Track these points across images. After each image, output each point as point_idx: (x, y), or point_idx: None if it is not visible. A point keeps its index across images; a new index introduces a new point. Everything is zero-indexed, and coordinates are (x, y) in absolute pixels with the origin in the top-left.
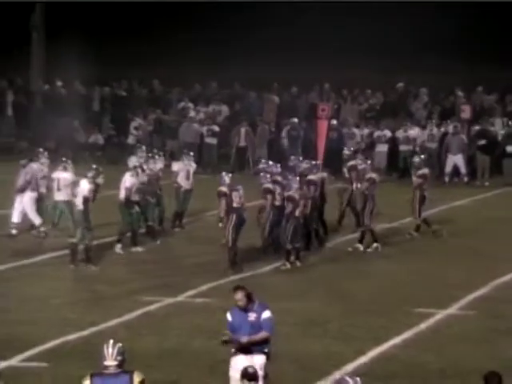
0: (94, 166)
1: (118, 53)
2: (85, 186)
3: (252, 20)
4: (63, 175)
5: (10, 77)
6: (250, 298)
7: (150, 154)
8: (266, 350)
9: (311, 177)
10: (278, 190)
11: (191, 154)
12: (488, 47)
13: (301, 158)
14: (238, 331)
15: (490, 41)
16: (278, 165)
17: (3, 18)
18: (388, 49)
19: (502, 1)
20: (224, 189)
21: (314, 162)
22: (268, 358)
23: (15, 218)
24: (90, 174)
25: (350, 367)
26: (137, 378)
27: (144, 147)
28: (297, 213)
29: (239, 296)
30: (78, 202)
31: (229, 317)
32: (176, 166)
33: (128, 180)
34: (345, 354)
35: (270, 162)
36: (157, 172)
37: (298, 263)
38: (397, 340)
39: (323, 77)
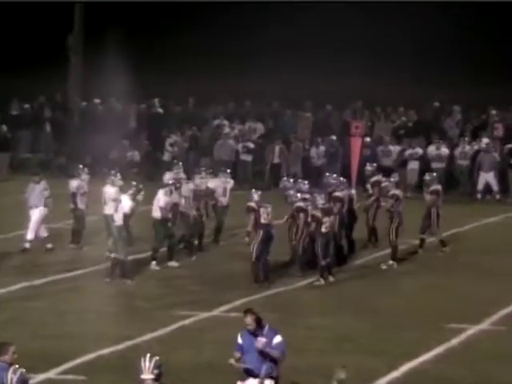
0: (134, 183)
1: (155, 70)
2: (126, 203)
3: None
4: (110, 190)
5: (48, 93)
6: (258, 322)
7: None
8: (273, 375)
9: (337, 193)
10: (309, 207)
11: (228, 171)
12: None
13: (342, 178)
14: (246, 354)
15: None
16: (306, 182)
17: (41, 35)
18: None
19: None
20: (252, 204)
21: (341, 179)
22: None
23: (42, 232)
24: (131, 191)
25: (382, 382)
26: None
27: (180, 163)
28: (323, 229)
29: (248, 320)
30: (118, 218)
31: (239, 339)
32: (213, 183)
33: (162, 199)
34: (377, 368)
35: (296, 180)
36: (203, 189)
37: (332, 278)
38: (428, 355)
39: (356, 94)
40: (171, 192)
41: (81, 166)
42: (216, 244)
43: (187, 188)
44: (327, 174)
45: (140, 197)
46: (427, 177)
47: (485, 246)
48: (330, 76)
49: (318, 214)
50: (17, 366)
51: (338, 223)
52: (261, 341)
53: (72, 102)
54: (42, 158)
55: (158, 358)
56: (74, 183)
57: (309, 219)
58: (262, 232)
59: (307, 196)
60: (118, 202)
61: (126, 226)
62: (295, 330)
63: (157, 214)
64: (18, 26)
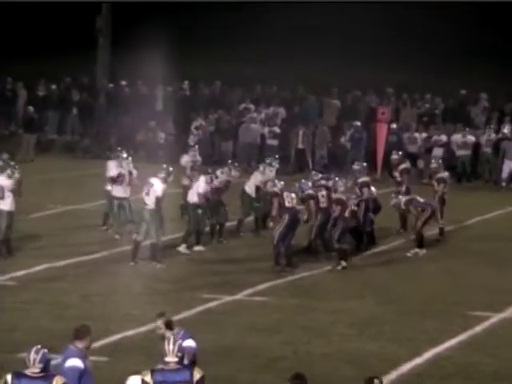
0: (165, 166)
1: (182, 53)
2: (158, 186)
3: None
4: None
5: (75, 75)
6: (168, 326)
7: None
8: None
9: (364, 178)
10: (322, 192)
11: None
12: None
13: (364, 164)
14: None
15: None
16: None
17: (70, 18)
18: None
19: None
20: (276, 189)
21: (364, 164)
22: None
23: None
24: (162, 174)
25: (405, 368)
26: (197, 373)
27: (196, 146)
28: (346, 213)
29: (158, 323)
30: (150, 201)
31: None
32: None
33: (202, 187)
34: (400, 354)
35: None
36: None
37: (344, 263)
38: (452, 342)
39: (382, 80)
40: (211, 180)
41: (119, 148)
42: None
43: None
44: (354, 161)
45: (170, 179)
46: (434, 164)
47: (509, 235)
48: (356, 62)
49: (343, 197)
50: (39, 346)
51: (364, 208)
52: None
53: (99, 83)
54: (67, 140)
55: (181, 340)
56: (112, 171)
57: (322, 204)
58: (287, 216)
59: (323, 182)
60: (149, 185)
61: (158, 209)
62: (318, 314)
63: (194, 198)
64: (47, 9)
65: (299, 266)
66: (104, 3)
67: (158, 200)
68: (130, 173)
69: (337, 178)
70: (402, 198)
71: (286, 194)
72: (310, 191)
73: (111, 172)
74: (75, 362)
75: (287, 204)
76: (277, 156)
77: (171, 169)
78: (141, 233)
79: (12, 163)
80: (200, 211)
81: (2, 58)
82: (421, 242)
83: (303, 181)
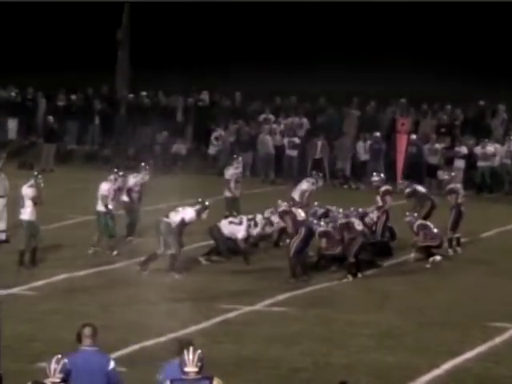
0: (200, 200)
1: (203, 64)
2: (189, 214)
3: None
4: (104, 187)
5: (96, 85)
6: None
7: None
8: None
9: (386, 187)
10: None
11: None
12: None
13: (382, 175)
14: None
15: None
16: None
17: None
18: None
19: None
20: (283, 208)
21: (382, 175)
22: None
23: None
24: (198, 206)
25: (424, 379)
26: (216, 383)
27: (240, 158)
28: (359, 227)
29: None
30: (175, 218)
31: None
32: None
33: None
34: (419, 366)
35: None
36: None
37: (360, 275)
38: (471, 353)
39: (402, 90)
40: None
41: (143, 164)
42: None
43: None
44: (374, 173)
45: (205, 215)
46: (445, 176)
47: None
48: (377, 73)
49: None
50: (59, 355)
51: (385, 216)
52: None
53: (119, 94)
54: (87, 150)
55: (200, 350)
56: (131, 181)
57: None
58: (303, 230)
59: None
60: (183, 208)
61: (179, 230)
62: (337, 325)
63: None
64: (69, 21)
65: (319, 276)
66: (124, 16)
67: (182, 223)
68: (120, 189)
69: (334, 208)
70: (417, 221)
71: (294, 209)
72: (322, 229)
73: (130, 183)
74: None
75: (300, 218)
76: (320, 174)
77: (207, 203)
78: (161, 246)
79: (35, 172)
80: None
81: (23, 68)
82: (429, 252)
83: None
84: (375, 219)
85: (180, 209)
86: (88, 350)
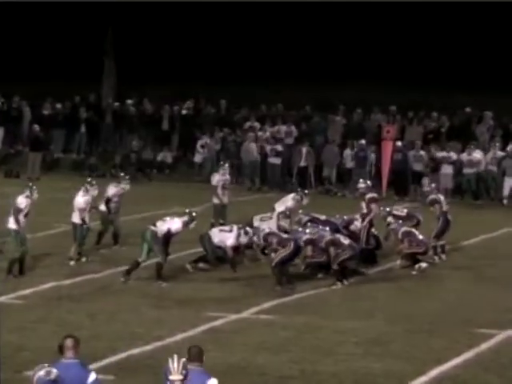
0: (187, 211)
1: (187, 72)
2: (176, 225)
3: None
4: (79, 199)
5: (82, 94)
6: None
7: None
8: None
9: (372, 194)
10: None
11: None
12: None
13: (368, 182)
14: None
15: None
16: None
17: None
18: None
19: None
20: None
21: (368, 182)
22: None
23: None
24: (185, 218)
25: None
26: None
27: (226, 165)
28: (345, 241)
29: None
30: (161, 228)
31: None
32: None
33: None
34: (406, 373)
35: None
36: None
37: (346, 282)
38: (458, 360)
39: (388, 99)
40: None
41: (122, 174)
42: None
43: None
44: (361, 180)
45: (192, 226)
46: (426, 188)
47: None
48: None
49: (332, 237)
50: (46, 364)
51: (369, 224)
52: None
53: (105, 103)
54: (74, 158)
55: (185, 359)
56: (111, 190)
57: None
58: (292, 244)
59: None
60: (171, 218)
61: (166, 240)
62: (325, 333)
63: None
64: (55, 31)
65: (305, 283)
66: (110, 26)
67: (168, 233)
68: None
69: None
70: (401, 228)
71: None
72: (308, 236)
73: (109, 192)
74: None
75: (285, 236)
76: (306, 191)
77: (195, 214)
78: (142, 254)
79: (30, 184)
80: None
81: (8, 78)
82: (415, 258)
83: (300, 229)
84: (359, 226)
85: (167, 218)
86: (69, 363)
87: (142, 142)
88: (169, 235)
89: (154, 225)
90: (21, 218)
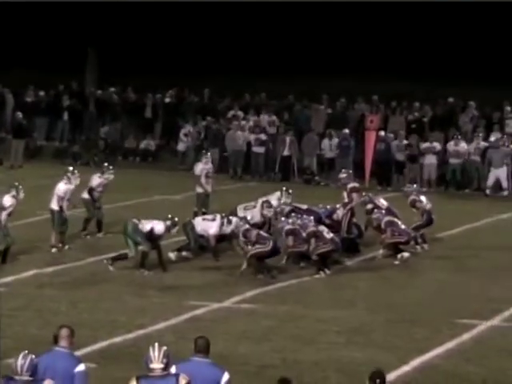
0: (170, 216)
1: (170, 61)
2: (159, 228)
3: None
4: (61, 187)
5: (65, 82)
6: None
7: None
8: None
9: (353, 184)
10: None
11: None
12: None
13: (350, 171)
14: None
15: None
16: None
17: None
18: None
19: None
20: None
21: (350, 171)
22: None
23: None
24: (168, 222)
25: (392, 376)
26: (183, 380)
27: (209, 154)
28: (328, 235)
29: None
30: (144, 224)
31: None
32: None
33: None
34: (388, 362)
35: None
36: None
37: (328, 271)
38: (440, 350)
39: (371, 89)
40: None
41: (106, 165)
42: None
43: None
44: (342, 169)
45: (174, 231)
46: (406, 189)
47: (497, 243)
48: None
49: (314, 228)
50: (26, 351)
51: (350, 213)
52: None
53: (88, 90)
54: (57, 146)
55: (165, 347)
56: (95, 180)
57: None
58: (271, 243)
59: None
60: (154, 223)
61: (147, 237)
62: (306, 322)
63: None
64: (37, 16)
65: (287, 273)
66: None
67: (150, 233)
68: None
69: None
70: (384, 218)
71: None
72: (290, 227)
73: (93, 182)
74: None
75: (265, 234)
76: (290, 191)
77: (177, 219)
78: (131, 250)
79: (16, 183)
80: None
81: None
82: (397, 248)
83: (282, 219)
84: (341, 215)
85: (154, 221)
86: (59, 351)
87: (113, 129)
88: (150, 234)
89: (138, 219)
90: (3, 215)
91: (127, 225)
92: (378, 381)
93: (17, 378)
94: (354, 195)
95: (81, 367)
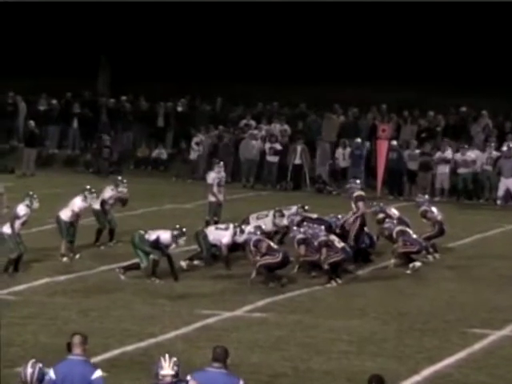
0: (178, 226)
1: (183, 69)
2: (165, 238)
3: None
4: (78, 202)
5: (76, 91)
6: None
7: None
8: None
9: (358, 192)
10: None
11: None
12: None
13: (358, 181)
14: None
15: None
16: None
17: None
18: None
19: None
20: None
21: (357, 181)
22: None
23: None
24: (176, 232)
25: None
26: None
27: (222, 163)
28: (339, 245)
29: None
30: (150, 233)
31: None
32: None
33: (77, 205)
34: (399, 372)
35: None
36: None
37: (339, 281)
38: (451, 360)
39: (384, 98)
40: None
41: (119, 178)
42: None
43: None
44: (352, 177)
45: (181, 242)
46: (418, 199)
47: (508, 253)
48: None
49: (324, 238)
50: (34, 360)
51: (360, 224)
52: None
53: (100, 99)
54: (68, 154)
55: (176, 358)
56: (108, 193)
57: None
58: (281, 255)
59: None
60: (161, 232)
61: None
62: (317, 331)
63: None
64: (50, 25)
65: (298, 282)
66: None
67: (156, 241)
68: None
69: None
70: (396, 227)
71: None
72: (301, 236)
73: (106, 194)
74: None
75: (275, 246)
76: (307, 207)
77: (185, 229)
78: (142, 261)
79: (30, 193)
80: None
81: (3, 72)
82: (408, 258)
83: (294, 228)
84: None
85: (161, 230)
86: (74, 360)
87: (107, 137)
88: (156, 243)
89: (145, 231)
90: (17, 224)
91: (134, 237)
92: None
93: None
94: (360, 204)
95: (97, 373)
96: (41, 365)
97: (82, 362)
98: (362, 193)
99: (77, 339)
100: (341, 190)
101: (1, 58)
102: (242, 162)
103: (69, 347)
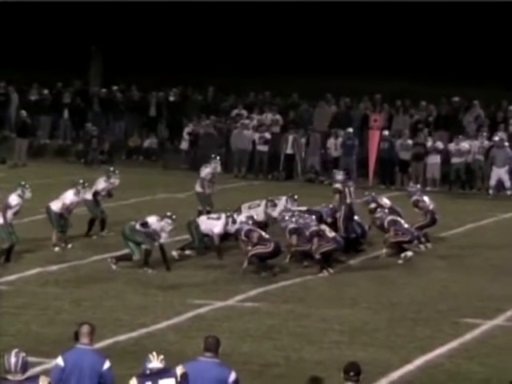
0: (169, 214)
1: (174, 59)
2: (153, 219)
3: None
4: (70, 196)
5: (68, 81)
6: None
7: None
8: None
9: (336, 185)
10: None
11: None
12: None
13: (341, 172)
14: None
15: None
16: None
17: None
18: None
19: None
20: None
21: (341, 172)
22: None
23: None
24: (166, 219)
25: (395, 375)
26: (179, 370)
27: (218, 157)
28: (330, 234)
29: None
30: (139, 225)
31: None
32: None
33: (69, 198)
34: (391, 362)
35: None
36: None
37: (331, 270)
38: (443, 349)
39: (376, 88)
40: (78, 192)
41: (112, 169)
42: None
43: None
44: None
45: (171, 227)
46: (410, 188)
47: (500, 242)
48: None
49: (316, 228)
50: (17, 349)
51: (344, 215)
52: None
53: (92, 89)
54: (60, 144)
55: (162, 356)
56: (101, 184)
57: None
58: (272, 245)
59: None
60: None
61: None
62: (309, 321)
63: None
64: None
65: (290, 272)
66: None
67: (147, 228)
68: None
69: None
70: (387, 217)
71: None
72: (293, 225)
73: (99, 186)
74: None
75: (267, 236)
76: (295, 196)
77: (174, 216)
78: (134, 253)
79: (23, 183)
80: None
81: None
82: (400, 247)
83: (286, 218)
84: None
85: (160, 224)
86: (82, 349)
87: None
88: (146, 227)
89: (136, 222)
90: (9, 214)
91: (124, 229)
92: (351, 373)
93: (10, 377)
94: (336, 197)
95: (107, 364)
96: (24, 354)
97: (92, 352)
98: (339, 186)
99: (85, 329)
100: (332, 179)
101: None
102: (233, 152)
103: (76, 336)
